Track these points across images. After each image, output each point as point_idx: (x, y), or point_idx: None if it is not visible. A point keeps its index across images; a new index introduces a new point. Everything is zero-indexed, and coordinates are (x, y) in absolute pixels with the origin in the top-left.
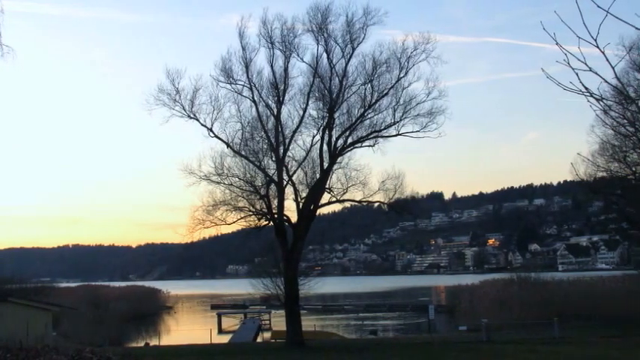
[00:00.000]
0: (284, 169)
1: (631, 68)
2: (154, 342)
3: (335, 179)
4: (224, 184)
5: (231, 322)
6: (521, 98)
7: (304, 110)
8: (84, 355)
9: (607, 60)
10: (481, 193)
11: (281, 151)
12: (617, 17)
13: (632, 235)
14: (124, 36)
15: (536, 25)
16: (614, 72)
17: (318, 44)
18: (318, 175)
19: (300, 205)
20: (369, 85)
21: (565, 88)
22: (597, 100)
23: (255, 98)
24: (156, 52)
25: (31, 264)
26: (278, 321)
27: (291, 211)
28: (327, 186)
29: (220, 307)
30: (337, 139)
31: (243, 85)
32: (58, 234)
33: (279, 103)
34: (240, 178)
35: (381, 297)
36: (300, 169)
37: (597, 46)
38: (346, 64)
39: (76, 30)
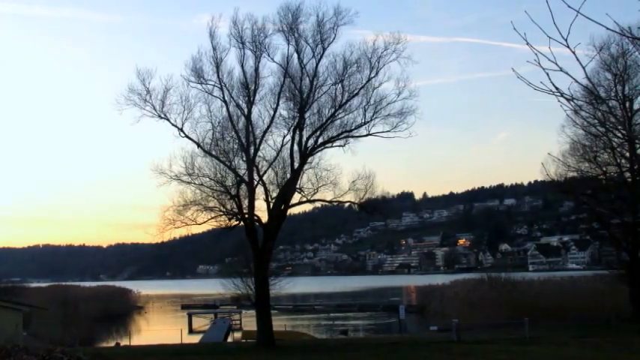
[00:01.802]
0: (254, 169)
1: (601, 68)
2: (124, 342)
3: (305, 179)
4: (195, 184)
5: (202, 322)
6: (491, 98)
7: (275, 110)
8: (54, 355)
9: (577, 60)
10: (452, 193)
11: (252, 151)
12: (587, 17)
13: (602, 235)
14: (97, 36)
15: (506, 25)
16: (585, 72)
17: (288, 44)
18: (288, 175)
19: (271, 205)
20: (340, 85)
21: (536, 88)
22: (568, 100)
23: (226, 98)
24: (128, 51)
25: (1, 264)
26: (249, 321)
27: (261, 211)
28: (297, 186)
29: (191, 307)
30: (308, 139)
31: (214, 85)
32: (28, 234)
33: (250, 103)
34: (210, 178)
35: (351, 297)
36: (270, 169)
37: (568, 46)
38: (317, 64)
39: (51, 30)
